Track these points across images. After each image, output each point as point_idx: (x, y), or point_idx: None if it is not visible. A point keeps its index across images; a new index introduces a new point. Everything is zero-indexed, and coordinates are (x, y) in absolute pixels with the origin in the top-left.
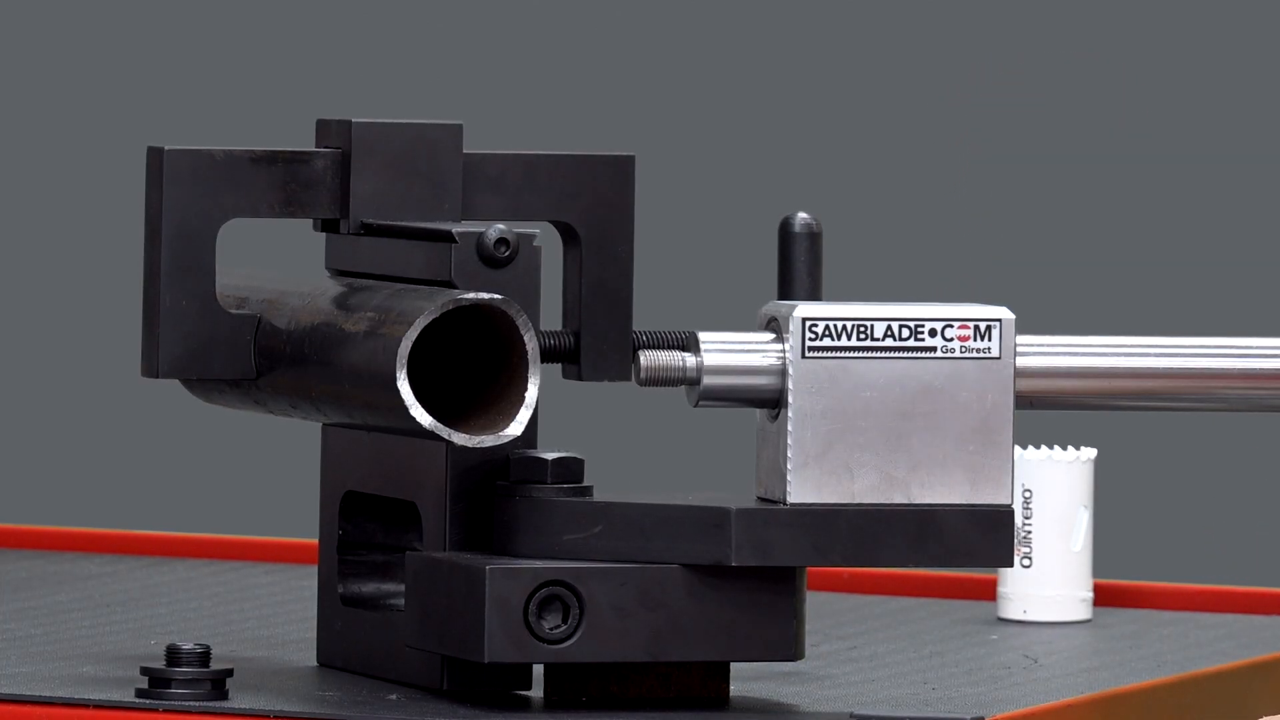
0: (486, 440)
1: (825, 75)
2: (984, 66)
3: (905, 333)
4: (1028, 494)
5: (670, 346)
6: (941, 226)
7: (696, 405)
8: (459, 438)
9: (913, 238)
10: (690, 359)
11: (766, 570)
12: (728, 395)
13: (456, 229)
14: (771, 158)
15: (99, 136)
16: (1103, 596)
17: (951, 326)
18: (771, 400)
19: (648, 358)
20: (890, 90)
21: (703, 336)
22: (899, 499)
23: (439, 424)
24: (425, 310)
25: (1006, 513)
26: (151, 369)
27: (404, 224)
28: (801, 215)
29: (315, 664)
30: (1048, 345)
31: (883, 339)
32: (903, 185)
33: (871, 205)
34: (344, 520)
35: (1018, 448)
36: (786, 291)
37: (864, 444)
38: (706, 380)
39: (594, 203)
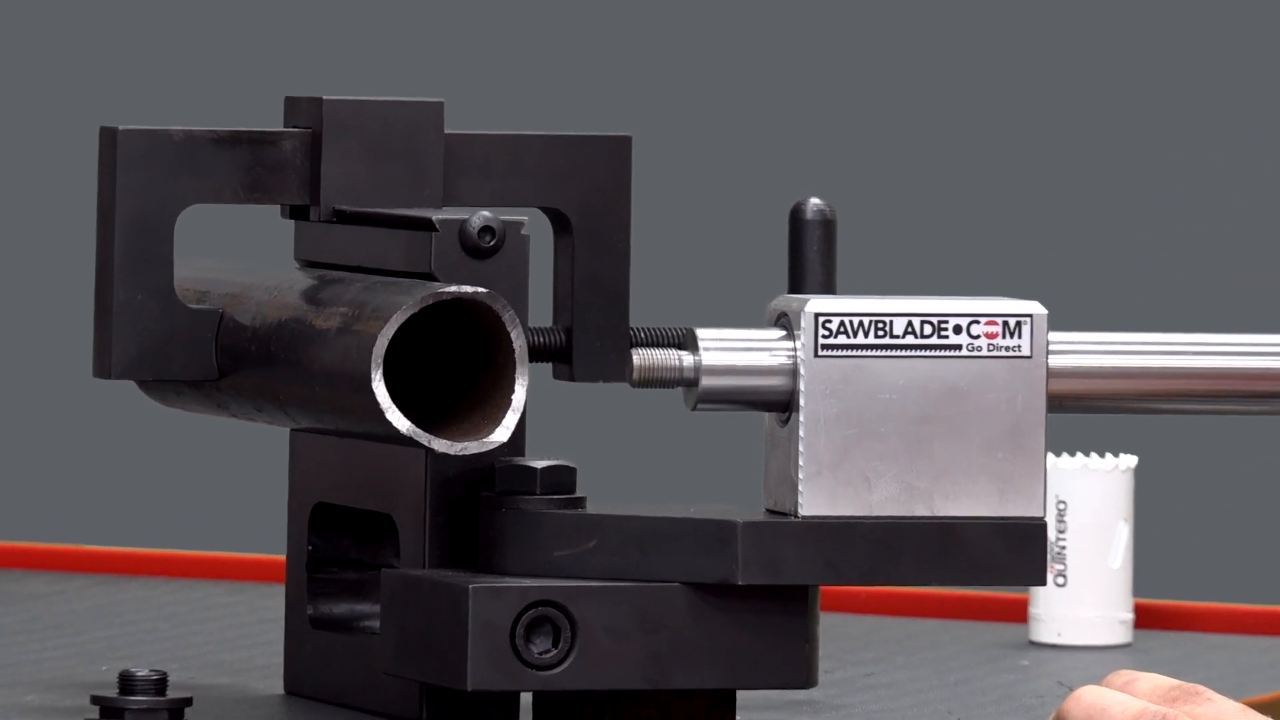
0: (470, 447)
1: (840, 48)
2: (1010, 42)
3: (927, 329)
4: (1062, 506)
5: (667, 344)
6: (966, 214)
7: (694, 409)
8: (439, 444)
9: (935, 226)
10: (687, 358)
11: (776, 589)
12: (729, 397)
13: (437, 216)
14: (781, 138)
15: (45, 115)
16: (1144, 618)
17: (978, 323)
18: (781, 403)
19: (640, 357)
20: (911, 66)
21: (701, 333)
22: (921, 511)
23: (418, 429)
24: (403, 305)
25: (1038, 526)
26: (104, 369)
27: (380, 211)
28: (814, 201)
29: (282, 692)
30: (1084, 343)
31: (903, 336)
32: (924, 169)
33: (891, 191)
34: (314, 534)
35: (1050, 455)
36: (798, 284)
37: (882, 451)
38: (705, 381)
39: (588, 188)
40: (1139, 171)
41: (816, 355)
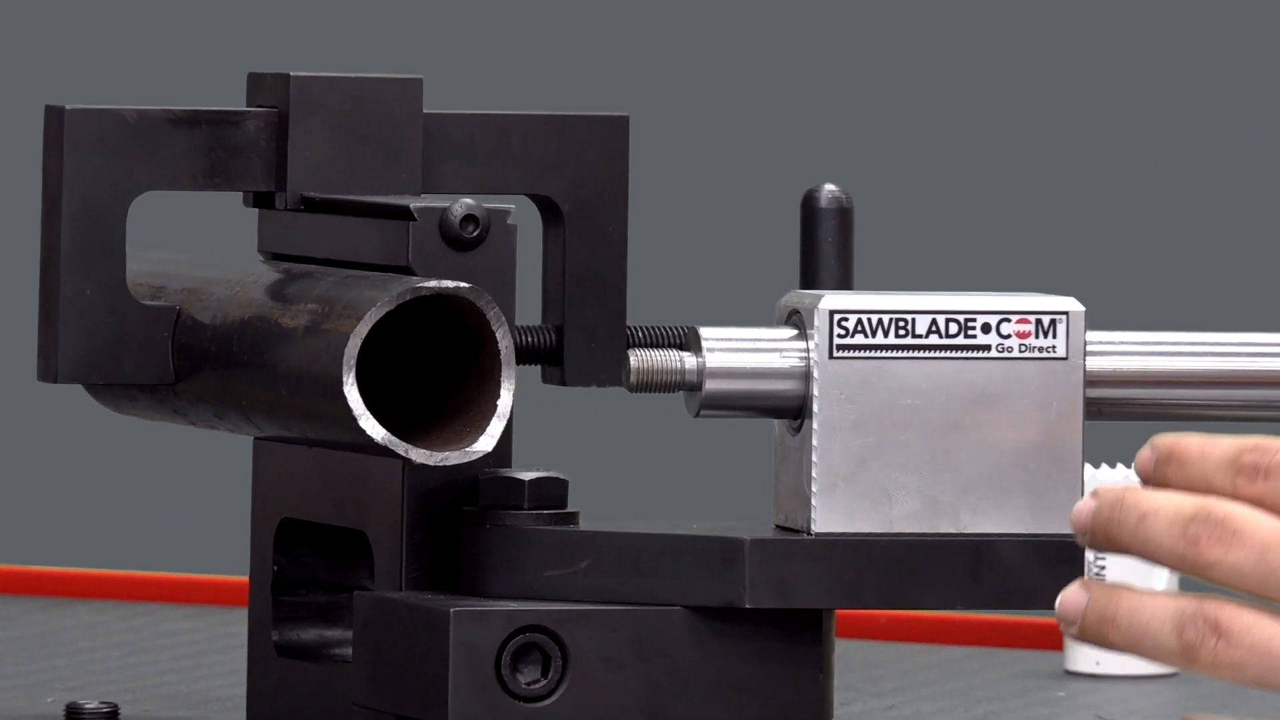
0: (451, 457)
1: (859, 20)
2: (1039, 20)
3: (953, 328)
4: None
5: (666, 345)
6: (994, 202)
7: (697, 415)
8: (417, 454)
9: (961, 215)
10: (689, 359)
11: (787, 614)
12: (735, 403)
13: (415, 204)
14: (793, 119)
15: None
16: None
17: (1009, 321)
18: (792, 409)
19: (638, 358)
20: (934, 44)
21: (704, 333)
22: (946, 528)
23: (394, 438)
24: (378, 301)
25: (1075, 545)
26: (49, 371)
27: (352, 198)
28: (829, 187)
29: None
30: (1125, 343)
31: (926, 336)
32: (947, 153)
33: (912, 176)
34: (279, 553)
35: (1088, 466)
36: (811, 279)
37: (904, 462)
38: (709, 385)
39: (581, 173)
40: (1185, 152)
41: (831, 356)
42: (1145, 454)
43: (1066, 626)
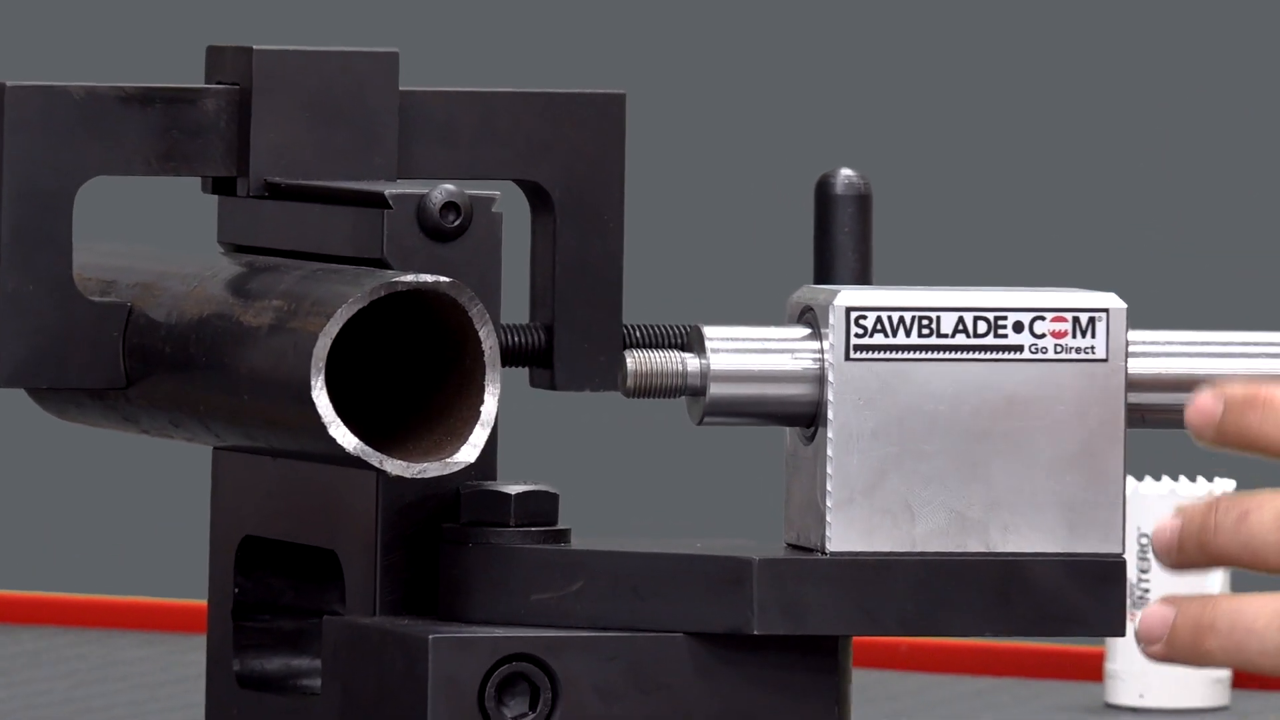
0: (429, 469)
1: None
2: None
3: (982, 327)
4: (1144, 540)
5: (667, 345)
6: (1026, 189)
7: (700, 422)
8: (393, 466)
9: (989, 203)
10: (692, 361)
11: (799, 641)
12: (742, 409)
13: (390, 190)
14: (806, 97)
15: None
16: (1242, 676)
17: (1043, 319)
18: (805, 416)
19: (636, 360)
20: (955, 15)
21: (708, 332)
22: (974, 546)
23: (367, 447)
24: (349, 297)
25: (1117, 565)
26: None
27: (321, 184)
28: (845, 172)
29: None
30: (1170, 344)
31: (952, 336)
32: (974, 135)
33: (935, 160)
34: (241, 575)
35: (1131, 479)
36: (826, 272)
37: (928, 474)
38: (714, 389)
39: (572, 156)
40: (1236, 134)
41: (848, 358)
42: (1207, 401)
43: (1150, 645)
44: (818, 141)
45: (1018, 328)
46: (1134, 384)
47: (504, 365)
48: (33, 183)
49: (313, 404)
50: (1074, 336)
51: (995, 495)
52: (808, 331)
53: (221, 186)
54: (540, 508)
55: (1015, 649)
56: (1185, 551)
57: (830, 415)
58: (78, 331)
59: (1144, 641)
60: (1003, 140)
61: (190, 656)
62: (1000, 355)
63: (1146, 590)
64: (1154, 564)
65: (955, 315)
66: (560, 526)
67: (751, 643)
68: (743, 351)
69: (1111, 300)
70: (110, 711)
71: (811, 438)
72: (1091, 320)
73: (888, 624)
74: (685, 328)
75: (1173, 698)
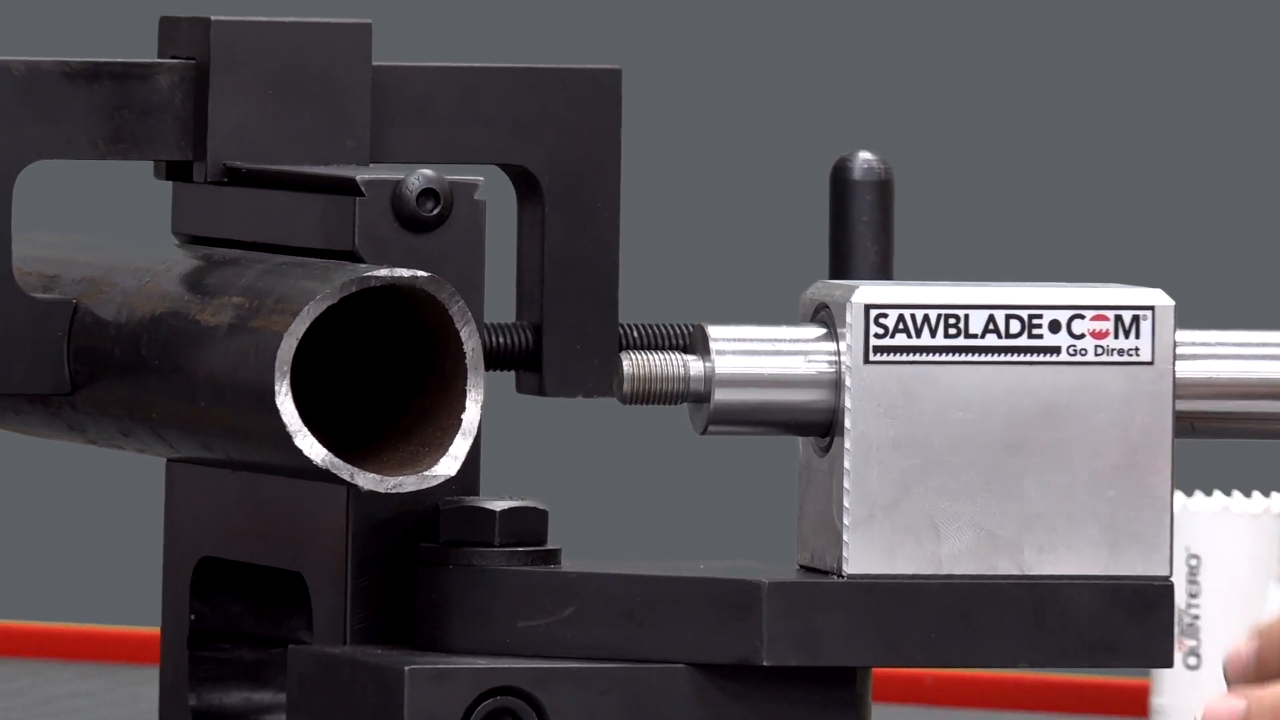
0: (406, 483)
1: None
2: None
3: (1015, 327)
4: (1194, 562)
5: (667, 346)
6: (1063, 173)
7: (704, 432)
8: (365, 479)
9: (1021, 190)
10: (695, 364)
11: (814, 673)
12: (750, 417)
13: (362, 176)
14: (820, 74)
15: None
16: None
17: (1082, 318)
18: (819, 425)
19: (633, 362)
20: None
21: (713, 332)
22: (1006, 568)
23: (336, 459)
24: (317, 294)
25: (1163, 589)
26: None
27: (286, 169)
28: (864, 155)
29: None
30: (1222, 344)
31: (982, 336)
32: (1004, 115)
33: (961, 142)
34: (198, 599)
35: (1179, 494)
36: (843, 266)
37: (955, 489)
38: (719, 395)
39: (563, 139)
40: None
41: (867, 361)
42: (1242, 652)
43: None
44: (834, 122)
45: (1054, 327)
46: (1182, 389)
47: (488, 369)
48: None
49: (277, 411)
50: (1116, 337)
51: (1029, 512)
52: (822, 331)
53: (176, 171)
54: (527, 525)
55: (1052, 681)
56: (1264, 669)
57: (847, 424)
58: (18, 332)
59: None
60: (1036, 120)
61: (141, 690)
62: (1035, 358)
63: (1196, 617)
64: (1204, 589)
65: (985, 313)
66: (550, 546)
67: (761, 675)
68: (751, 354)
69: (1158, 297)
70: None
71: (827, 449)
72: (1136, 319)
73: (911, 654)
74: (687, 327)
75: None
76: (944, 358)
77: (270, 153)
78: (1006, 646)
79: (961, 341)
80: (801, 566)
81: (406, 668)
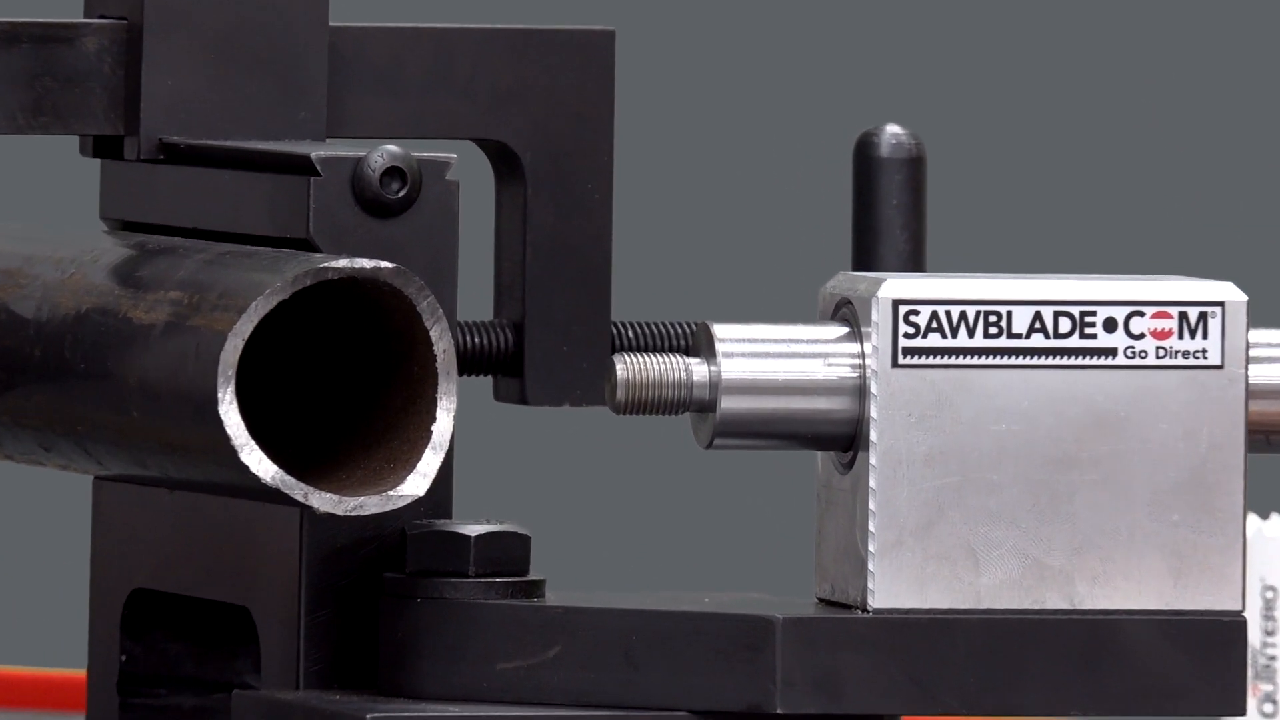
0: (367, 504)
1: None
2: None
3: (1064, 325)
4: (1270, 594)
5: (666, 348)
6: (1116, 153)
7: (710, 445)
8: (321, 500)
9: (1070, 169)
10: (698, 368)
11: None
12: (761, 429)
13: (318, 153)
14: (843, 38)
15: None
16: None
17: (1142, 314)
18: (841, 437)
19: (627, 366)
20: None
21: (719, 332)
22: (1055, 602)
23: (288, 477)
24: (266, 288)
25: (1235, 625)
26: None
27: (230, 144)
28: (892, 129)
29: None
30: None
31: (1027, 336)
32: (1048, 87)
33: (1001, 114)
34: (129, 638)
35: (1254, 517)
36: (867, 256)
37: (997, 510)
38: (726, 404)
39: (548, 111)
40: None
41: (895, 364)
42: None
43: None
44: (858, 90)
45: (1109, 326)
46: (1257, 396)
47: (462, 373)
48: None
49: (220, 422)
50: (1181, 337)
51: (1081, 537)
52: (844, 331)
53: (105, 148)
54: (507, 553)
55: None
56: None
57: (873, 436)
58: None
59: None
60: (1088, 85)
61: None
62: (1087, 361)
63: (1272, 657)
64: None
65: (1031, 310)
66: (532, 577)
67: None
68: (762, 356)
69: (1228, 291)
70: None
71: (849, 465)
72: (1203, 316)
73: (945, 700)
74: (689, 326)
75: None
76: (983, 361)
77: (212, 126)
78: (1055, 692)
79: (1003, 343)
80: (820, 600)
81: (368, 716)
